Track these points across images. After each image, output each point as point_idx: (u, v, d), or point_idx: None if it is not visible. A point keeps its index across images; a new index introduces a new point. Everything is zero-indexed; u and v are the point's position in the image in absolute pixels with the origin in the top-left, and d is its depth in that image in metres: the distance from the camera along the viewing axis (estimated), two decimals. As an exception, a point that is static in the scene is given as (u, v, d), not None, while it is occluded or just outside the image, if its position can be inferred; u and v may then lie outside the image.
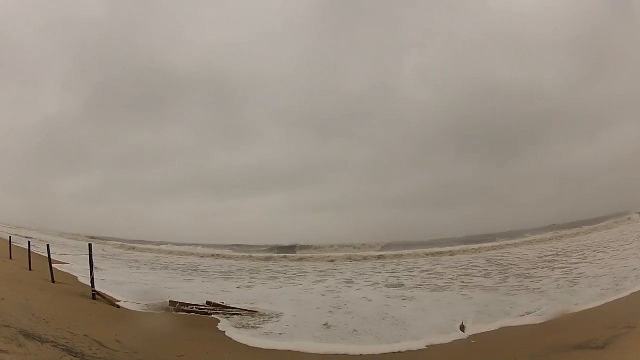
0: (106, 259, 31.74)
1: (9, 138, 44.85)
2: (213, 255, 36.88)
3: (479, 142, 42.65)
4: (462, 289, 21.90)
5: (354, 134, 44.90)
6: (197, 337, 14.35)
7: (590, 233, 34.45)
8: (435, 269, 28.46)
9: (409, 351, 13.23)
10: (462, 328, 14.17)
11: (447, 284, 23.37)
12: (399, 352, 13.19)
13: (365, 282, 25.58)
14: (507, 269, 26.00)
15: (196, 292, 21.13)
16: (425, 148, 43.78)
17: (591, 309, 15.42)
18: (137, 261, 33.47)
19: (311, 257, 35.50)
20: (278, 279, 27.61)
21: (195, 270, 30.34)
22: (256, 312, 17.48)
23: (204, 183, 45.28)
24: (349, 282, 25.82)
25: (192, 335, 14.43)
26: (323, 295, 22.04)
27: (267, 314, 17.71)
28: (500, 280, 23.07)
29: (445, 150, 43.22)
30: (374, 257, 34.31)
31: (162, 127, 46.94)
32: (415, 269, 28.75)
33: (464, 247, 35.03)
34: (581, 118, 40.98)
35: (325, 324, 16.30)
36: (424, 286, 23.33)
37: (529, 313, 16.10)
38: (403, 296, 21.12)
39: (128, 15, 48.52)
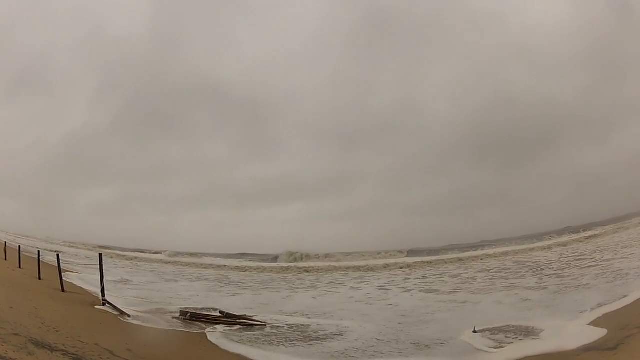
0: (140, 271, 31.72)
1: (32, 151, 45.83)
2: (238, 268, 36.24)
3: (496, 149, 44.10)
4: (507, 289, 21.87)
5: (376, 145, 46.58)
6: (207, 346, 14.02)
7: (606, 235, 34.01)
8: (465, 273, 28.48)
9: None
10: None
11: (487, 286, 23.37)
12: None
13: (398, 287, 25.67)
14: (540, 269, 25.99)
15: (242, 306, 20.68)
16: (445, 157, 45.47)
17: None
18: (173, 273, 33.23)
19: (332, 267, 34.96)
20: (317, 288, 27.39)
21: (231, 282, 29.98)
22: (265, 324, 17.08)
23: (225, 194, 46.33)
24: (383, 288, 25.82)
25: (203, 344, 14.15)
26: (370, 305, 21.59)
27: (321, 327, 16.83)
28: (539, 279, 23.10)
29: (463, 158, 44.81)
30: (400, 264, 34.07)
31: (189, 141, 48.53)
32: (445, 274, 28.77)
33: (487, 251, 34.93)
34: (592, 123, 42.22)
35: (416, 343, 14.46)
36: (464, 290, 23.38)
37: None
38: (454, 300, 21.05)
39: (166, 34, 50.61)
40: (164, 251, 40.88)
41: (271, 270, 35.20)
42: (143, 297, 21.37)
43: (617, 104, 41.34)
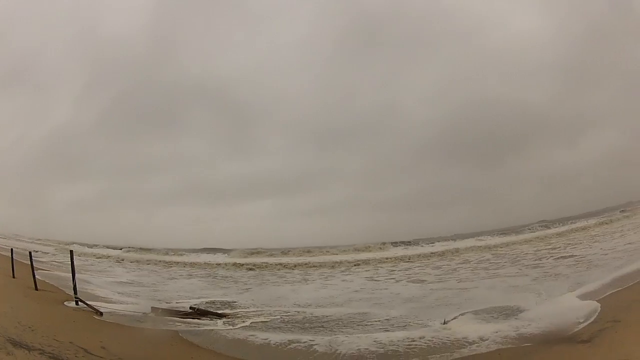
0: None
1: (14, 148, 45.46)
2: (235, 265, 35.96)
3: (468, 149, 46.65)
4: (490, 279, 23.32)
5: (351, 145, 48.69)
6: (179, 342, 14.42)
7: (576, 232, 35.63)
8: (447, 265, 29.65)
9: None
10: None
11: (470, 276, 24.95)
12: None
13: (387, 279, 26.65)
14: (517, 260, 27.65)
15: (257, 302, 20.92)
16: (417, 156, 47.56)
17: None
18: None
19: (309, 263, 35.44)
20: (312, 281, 27.78)
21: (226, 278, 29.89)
22: (237, 316, 17.67)
23: (201, 191, 47.29)
24: (372, 280, 26.81)
25: (174, 340, 14.56)
26: (373, 294, 22.33)
27: (351, 315, 17.38)
28: (519, 269, 24.76)
29: (435, 157, 47.16)
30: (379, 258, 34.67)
31: (173, 139, 49.48)
32: (427, 266, 29.80)
33: (464, 243, 36.39)
34: (563, 126, 44.30)
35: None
36: (452, 279, 24.78)
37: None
38: (448, 287, 22.37)
39: (159, 34, 51.60)
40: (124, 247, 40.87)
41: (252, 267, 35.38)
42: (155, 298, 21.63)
43: (586, 109, 44.02)
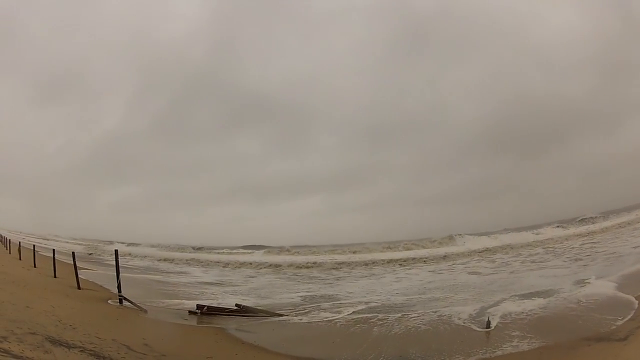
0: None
1: (63, 153, 47.15)
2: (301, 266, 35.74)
3: (511, 143, 47.46)
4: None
5: (401, 142, 50.25)
6: (224, 339, 13.88)
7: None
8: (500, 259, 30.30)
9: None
10: (488, 324, 13.86)
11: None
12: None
13: (445, 271, 27.75)
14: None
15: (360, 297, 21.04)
16: (464, 151, 49.14)
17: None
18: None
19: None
20: (381, 275, 28.33)
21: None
22: (283, 315, 16.90)
23: (251, 189, 48.44)
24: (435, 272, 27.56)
25: (219, 337, 14.01)
26: (444, 283, 23.07)
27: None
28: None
29: (481, 152, 48.43)
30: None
31: (229, 141, 51.18)
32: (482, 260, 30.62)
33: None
34: (601, 118, 47.02)
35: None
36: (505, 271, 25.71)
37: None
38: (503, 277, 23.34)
39: (215, 39, 53.59)
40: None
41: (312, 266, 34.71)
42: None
43: (623, 101, 46.23)
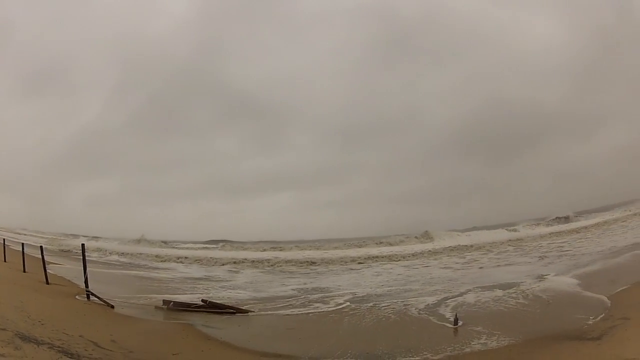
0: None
1: (39, 147, 46.61)
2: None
3: (483, 146, 49.24)
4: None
5: (375, 142, 51.02)
6: (191, 335, 14.30)
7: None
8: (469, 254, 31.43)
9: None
10: (456, 321, 14.43)
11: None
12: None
13: (420, 266, 28.59)
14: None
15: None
16: (435, 153, 50.40)
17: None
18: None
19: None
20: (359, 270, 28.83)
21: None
22: (249, 312, 17.43)
23: (225, 185, 48.73)
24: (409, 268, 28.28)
25: (186, 333, 14.44)
26: (422, 277, 24.11)
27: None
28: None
29: (451, 154, 49.66)
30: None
31: (202, 138, 51.33)
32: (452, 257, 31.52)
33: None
34: (574, 123, 48.10)
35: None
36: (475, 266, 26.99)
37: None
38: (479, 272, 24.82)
39: (198, 37, 53.62)
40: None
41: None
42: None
43: (596, 107, 47.58)
